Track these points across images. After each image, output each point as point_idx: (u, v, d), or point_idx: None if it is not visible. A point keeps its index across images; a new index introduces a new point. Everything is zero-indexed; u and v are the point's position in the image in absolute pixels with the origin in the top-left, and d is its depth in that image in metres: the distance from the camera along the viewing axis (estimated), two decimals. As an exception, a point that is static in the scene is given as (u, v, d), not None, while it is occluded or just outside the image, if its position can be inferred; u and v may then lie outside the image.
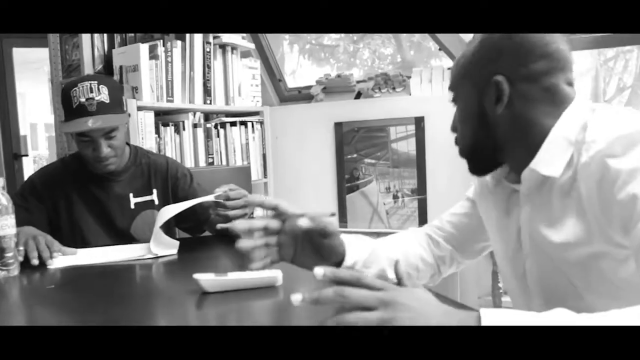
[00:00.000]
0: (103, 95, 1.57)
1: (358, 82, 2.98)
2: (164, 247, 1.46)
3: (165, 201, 1.74)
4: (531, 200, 0.94)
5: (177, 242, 1.52)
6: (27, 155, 5.00)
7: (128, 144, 1.76)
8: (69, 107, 1.57)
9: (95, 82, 1.58)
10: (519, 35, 0.90)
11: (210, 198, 1.46)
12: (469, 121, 0.97)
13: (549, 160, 0.88)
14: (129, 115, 1.70)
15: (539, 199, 0.93)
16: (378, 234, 2.76)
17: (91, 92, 1.56)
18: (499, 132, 0.93)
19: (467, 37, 2.48)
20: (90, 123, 1.53)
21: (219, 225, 1.50)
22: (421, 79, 2.74)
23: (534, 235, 0.94)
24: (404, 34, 3.73)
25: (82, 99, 1.55)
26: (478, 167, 1.01)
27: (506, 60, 0.90)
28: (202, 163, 2.59)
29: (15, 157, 4.77)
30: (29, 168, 5.57)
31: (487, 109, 0.93)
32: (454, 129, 1.02)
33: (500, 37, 0.92)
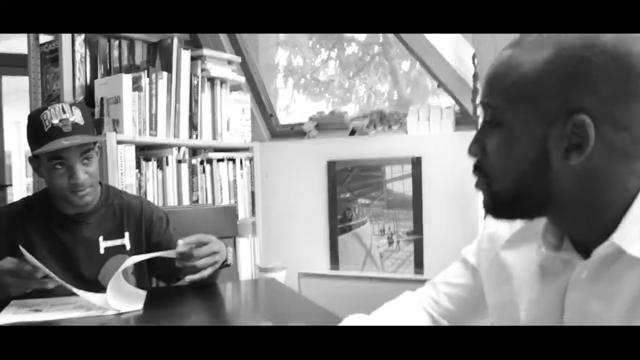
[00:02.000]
0: (77, 116, 1.45)
1: (352, 119, 2.86)
2: (126, 300, 1.31)
3: (137, 246, 1.59)
4: (591, 279, 0.71)
5: (143, 293, 1.36)
6: (10, 185, 4.85)
7: (100, 182, 1.62)
8: (39, 132, 1.43)
9: (67, 104, 1.47)
10: (621, 50, 0.64)
11: (171, 254, 1.33)
12: (517, 161, 0.71)
13: (638, 234, 0.66)
14: (99, 147, 1.57)
15: (603, 279, 0.70)
16: (371, 279, 2.65)
17: (64, 113, 1.43)
18: (561, 187, 0.69)
19: (466, 74, 2.38)
20: (67, 142, 1.40)
21: (188, 278, 1.36)
22: (418, 117, 2.63)
23: (590, 320, 0.71)
24: (401, 71, 3.64)
25: (55, 121, 1.42)
26: (505, 213, 0.76)
27: (598, 91, 0.65)
28: (185, 201, 2.45)
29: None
30: (17, 197, 5.43)
31: (551, 154, 0.68)
32: (475, 152, 0.76)
33: (593, 51, 0.65)
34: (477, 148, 0.75)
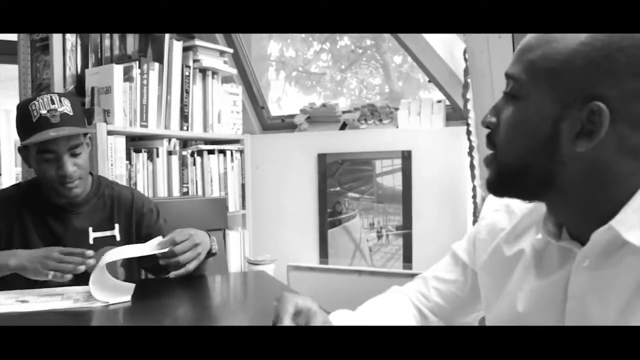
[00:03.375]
0: (66, 107, 1.44)
1: (344, 112, 2.86)
2: (111, 292, 1.31)
3: (127, 237, 1.59)
4: (593, 267, 0.70)
5: (130, 286, 1.36)
6: (-1, 175, 4.82)
7: (90, 173, 1.62)
8: (28, 123, 1.43)
9: (56, 95, 1.47)
10: None
11: (151, 250, 1.33)
12: (526, 137, 0.71)
13: (637, 222, 0.66)
14: (90, 138, 1.56)
15: (604, 267, 0.70)
16: (360, 272, 2.66)
17: (53, 103, 1.43)
18: (566, 172, 0.69)
19: (457, 69, 2.38)
20: (54, 133, 1.39)
21: (173, 274, 1.37)
22: (409, 111, 2.63)
23: (588, 312, 0.71)
24: (393, 64, 3.64)
25: (44, 111, 1.41)
26: (506, 189, 0.76)
27: (624, 84, 0.64)
28: (175, 193, 2.44)
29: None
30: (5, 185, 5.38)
31: (562, 136, 0.68)
32: (489, 122, 0.75)
33: (632, 41, 0.64)
34: (492, 117, 0.75)
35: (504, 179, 0.74)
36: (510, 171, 0.73)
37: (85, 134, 1.51)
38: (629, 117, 0.65)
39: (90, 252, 1.35)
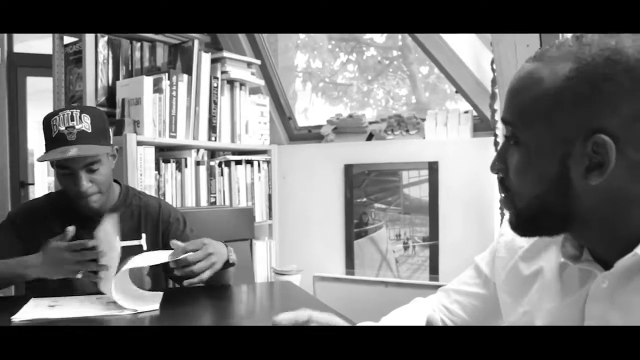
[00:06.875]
0: (85, 124, 1.45)
1: (370, 123, 2.87)
2: (138, 300, 1.33)
3: (154, 247, 1.60)
4: (612, 289, 0.70)
5: (156, 294, 1.38)
6: (32, 184, 4.94)
7: (118, 182, 1.64)
8: (48, 137, 1.46)
9: (77, 110, 1.47)
10: None
11: (164, 258, 1.34)
12: (537, 180, 0.70)
13: None
14: (117, 149, 1.58)
15: (625, 290, 0.69)
16: (386, 283, 2.65)
17: (72, 120, 1.44)
18: (583, 205, 0.69)
19: (485, 79, 2.37)
20: (66, 152, 1.41)
21: (186, 282, 1.37)
22: (436, 122, 2.62)
23: None
24: (420, 75, 3.64)
25: (62, 127, 1.43)
26: (529, 229, 0.75)
27: (620, 110, 0.63)
28: (203, 202, 2.47)
29: (22, 185, 4.72)
30: (38, 195, 5.51)
31: (572, 172, 0.68)
32: (498, 169, 0.76)
33: (616, 68, 0.63)
34: (500, 164, 0.75)
35: (526, 221, 0.74)
36: (529, 214, 0.73)
37: (108, 144, 1.53)
38: (635, 140, 0.64)
39: (91, 242, 1.36)
